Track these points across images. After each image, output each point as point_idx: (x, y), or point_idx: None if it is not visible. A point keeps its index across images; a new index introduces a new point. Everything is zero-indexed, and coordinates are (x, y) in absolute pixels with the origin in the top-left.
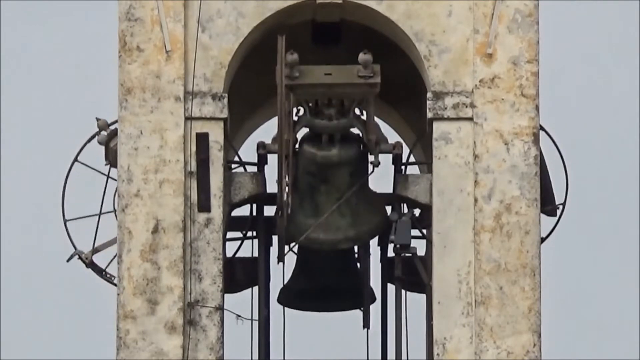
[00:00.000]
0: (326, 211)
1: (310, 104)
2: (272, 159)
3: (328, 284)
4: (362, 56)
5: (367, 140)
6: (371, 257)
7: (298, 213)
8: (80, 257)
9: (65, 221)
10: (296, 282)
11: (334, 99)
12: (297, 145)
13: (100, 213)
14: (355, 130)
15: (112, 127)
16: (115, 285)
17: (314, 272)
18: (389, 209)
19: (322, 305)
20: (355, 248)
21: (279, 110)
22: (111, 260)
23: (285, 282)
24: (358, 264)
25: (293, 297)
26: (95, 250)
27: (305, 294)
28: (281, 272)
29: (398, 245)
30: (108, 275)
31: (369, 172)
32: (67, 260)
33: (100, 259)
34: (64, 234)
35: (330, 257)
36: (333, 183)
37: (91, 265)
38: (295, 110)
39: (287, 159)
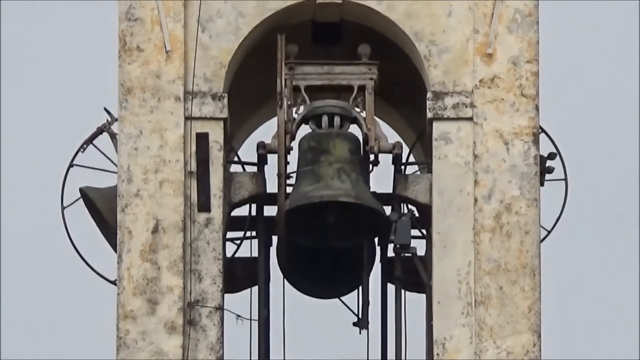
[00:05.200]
0: (327, 177)
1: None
2: (272, 159)
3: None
4: (361, 47)
5: (366, 130)
6: (368, 254)
7: (300, 184)
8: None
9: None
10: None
11: (334, 83)
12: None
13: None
14: (353, 133)
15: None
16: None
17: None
18: (388, 209)
19: (320, 285)
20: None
21: (278, 108)
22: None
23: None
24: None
25: (290, 263)
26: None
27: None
28: (281, 272)
29: (398, 245)
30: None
31: (369, 170)
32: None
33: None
34: (63, 234)
35: (330, 252)
36: (333, 153)
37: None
38: (294, 110)
39: (286, 153)
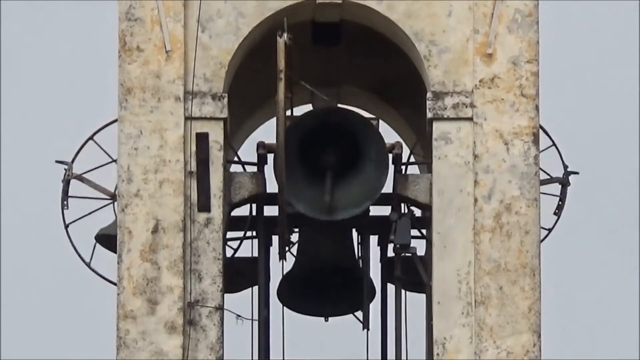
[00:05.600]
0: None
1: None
2: (272, 159)
3: (328, 283)
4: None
5: None
6: (371, 253)
7: None
8: (67, 173)
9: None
10: (295, 280)
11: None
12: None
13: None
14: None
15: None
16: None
17: (313, 268)
18: (388, 208)
19: (321, 308)
20: (356, 242)
21: (278, 103)
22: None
23: (285, 276)
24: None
25: (292, 296)
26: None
27: (304, 293)
28: (281, 272)
29: (398, 245)
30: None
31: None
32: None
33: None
34: (63, 235)
35: (331, 254)
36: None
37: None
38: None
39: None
